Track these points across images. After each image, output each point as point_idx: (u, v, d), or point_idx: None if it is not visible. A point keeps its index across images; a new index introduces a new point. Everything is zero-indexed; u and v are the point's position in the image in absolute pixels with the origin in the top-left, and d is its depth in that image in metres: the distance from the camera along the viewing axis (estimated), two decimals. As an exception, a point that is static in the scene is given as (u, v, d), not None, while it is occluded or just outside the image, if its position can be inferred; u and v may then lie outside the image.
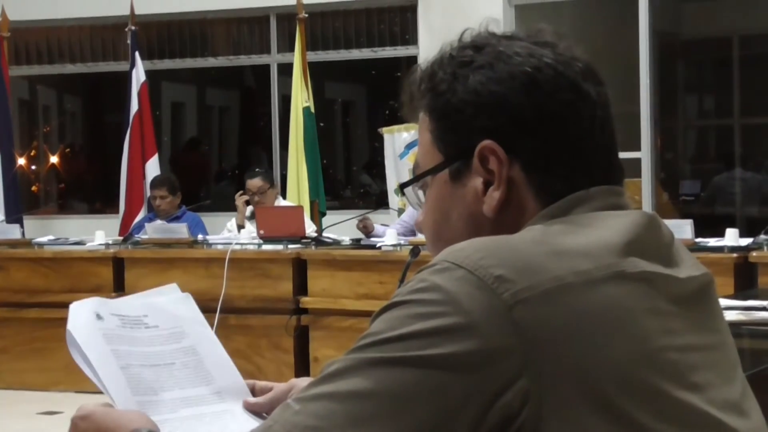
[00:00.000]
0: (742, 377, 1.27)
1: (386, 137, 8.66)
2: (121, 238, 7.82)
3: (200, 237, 7.38)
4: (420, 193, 1.35)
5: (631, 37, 8.65)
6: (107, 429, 1.36)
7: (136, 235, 7.61)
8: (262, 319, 6.78)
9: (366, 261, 6.59)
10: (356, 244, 6.97)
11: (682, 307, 1.21)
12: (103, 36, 10.33)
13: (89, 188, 11.92)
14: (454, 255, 1.15)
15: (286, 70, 9.55)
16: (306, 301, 6.74)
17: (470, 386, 1.09)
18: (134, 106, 9.27)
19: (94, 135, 12.35)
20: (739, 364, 1.29)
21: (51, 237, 7.98)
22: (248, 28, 10.12)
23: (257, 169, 8.11)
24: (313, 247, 6.91)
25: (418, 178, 1.33)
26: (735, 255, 5.83)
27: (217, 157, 12.75)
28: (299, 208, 7.54)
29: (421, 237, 6.48)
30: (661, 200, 9.31)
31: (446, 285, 1.12)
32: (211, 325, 1.62)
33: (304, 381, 1.50)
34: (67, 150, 11.84)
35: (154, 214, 8.15)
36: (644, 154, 8.66)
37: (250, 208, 7.73)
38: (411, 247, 3.86)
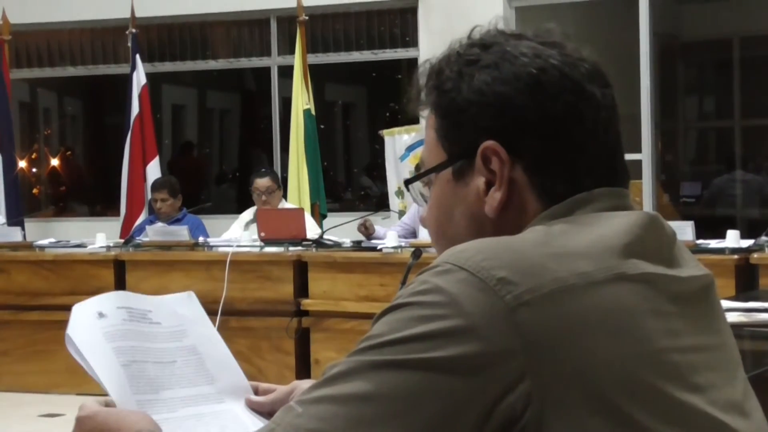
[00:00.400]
0: (743, 378, 1.27)
1: (387, 139, 8.66)
2: (122, 240, 7.82)
3: (201, 239, 7.37)
4: (425, 190, 1.35)
5: (632, 38, 8.65)
6: (110, 430, 1.36)
7: (137, 238, 7.61)
8: (263, 322, 6.78)
9: (367, 263, 6.59)
10: (357, 246, 6.97)
11: (684, 307, 1.21)
12: (104, 39, 10.33)
13: (90, 191, 11.92)
14: (456, 256, 1.15)
15: (286, 72, 9.55)
16: (307, 304, 6.74)
17: (472, 389, 1.09)
18: (135, 109, 9.27)
19: (95, 138, 12.36)
20: (741, 365, 1.29)
21: (52, 240, 7.98)
22: (249, 31, 10.12)
23: (264, 169, 8.11)
24: (314, 250, 6.91)
25: (421, 175, 1.34)
26: (736, 257, 5.83)
27: (218, 160, 12.77)
28: (300, 210, 7.54)
29: (422, 239, 6.49)
30: (662, 202, 9.31)
31: (448, 287, 1.11)
32: (212, 328, 1.63)
33: (306, 383, 1.50)
34: (68, 153, 11.86)
35: (155, 216, 8.15)
36: (645, 156, 8.66)
37: (250, 212, 7.73)
38: (412, 249, 3.86)
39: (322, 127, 9.31)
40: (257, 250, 7.06)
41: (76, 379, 6.30)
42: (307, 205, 8.41)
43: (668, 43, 10.10)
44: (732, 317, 3.36)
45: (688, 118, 11.45)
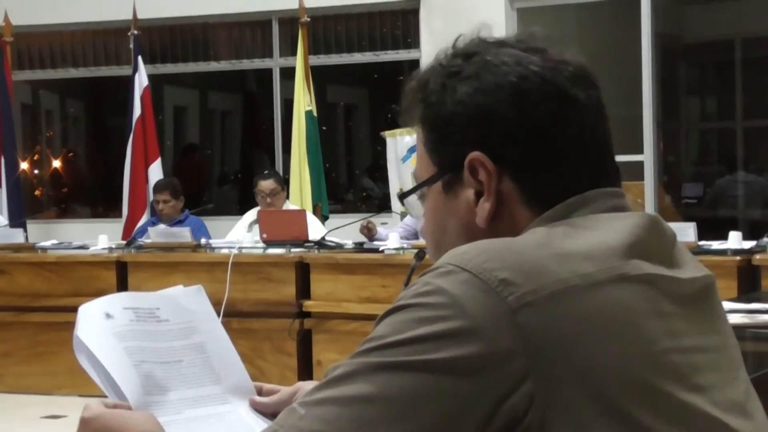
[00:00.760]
0: (745, 378, 1.28)
1: (389, 140, 8.66)
2: (125, 242, 7.82)
3: (203, 241, 7.38)
4: (419, 203, 1.36)
5: (634, 39, 8.64)
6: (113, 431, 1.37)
7: (139, 239, 7.61)
8: (265, 323, 6.78)
9: (369, 264, 6.59)
10: (359, 247, 6.97)
11: (685, 308, 1.21)
12: (106, 40, 10.34)
13: (92, 192, 11.93)
14: (458, 258, 1.15)
15: (288, 73, 9.56)
16: (309, 305, 6.74)
17: (475, 390, 1.09)
18: (137, 111, 9.27)
19: (97, 139, 12.36)
20: (743, 365, 1.29)
21: (54, 241, 7.98)
22: (250, 32, 10.13)
23: (267, 171, 8.11)
24: (316, 251, 6.90)
25: (413, 190, 1.35)
26: (738, 258, 5.82)
27: (220, 161, 12.76)
28: (302, 212, 7.54)
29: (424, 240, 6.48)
30: (664, 203, 9.31)
31: (450, 288, 1.12)
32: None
33: (309, 384, 1.50)
34: (70, 154, 11.86)
35: (157, 218, 8.16)
36: (647, 157, 8.66)
37: (253, 213, 7.73)
38: (415, 250, 3.86)
39: (323, 128, 9.30)
40: (259, 251, 7.06)
41: (79, 380, 6.29)
42: (309, 206, 8.42)
43: (670, 44, 10.10)
44: (734, 319, 3.36)
45: (690, 119, 11.44)
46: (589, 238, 1.19)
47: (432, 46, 8.94)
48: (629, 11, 8.70)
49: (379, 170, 10.45)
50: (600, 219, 1.23)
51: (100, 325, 1.46)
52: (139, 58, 9.34)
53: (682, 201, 10.25)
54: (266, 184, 7.66)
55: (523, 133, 1.24)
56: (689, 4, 10.87)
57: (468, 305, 1.10)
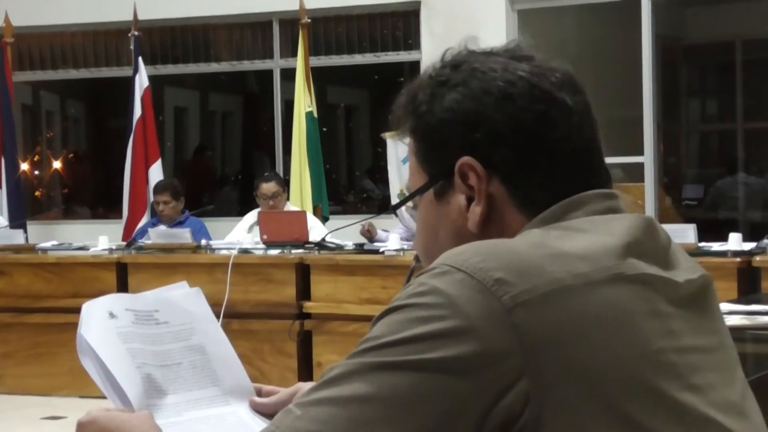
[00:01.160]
0: (742, 379, 1.28)
1: (389, 142, 8.65)
2: (125, 243, 7.82)
3: (203, 242, 7.38)
4: (411, 213, 1.37)
5: (634, 41, 8.65)
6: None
7: (140, 241, 7.61)
8: (266, 324, 6.78)
9: (369, 266, 6.60)
10: (359, 248, 6.97)
11: (682, 308, 1.21)
12: (106, 41, 10.34)
13: (92, 193, 11.94)
14: (454, 258, 1.16)
15: (289, 75, 9.56)
16: (309, 306, 6.74)
17: (471, 389, 1.09)
18: (137, 112, 9.28)
19: (97, 140, 12.37)
20: (740, 366, 1.29)
21: (54, 242, 7.99)
22: (251, 34, 10.13)
23: (268, 174, 8.10)
24: (316, 252, 6.91)
25: (405, 200, 1.36)
26: (738, 259, 5.82)
27: (220, 163, 12.77)
28: (302, 213, 7.54)
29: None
30: (664, 204, 9.31)
31: (446, 288, 1.12)
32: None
33: (308, 385, 1.50)
34: (71, 155, 11.87)
35: (157, 219, 8.16)
36: (647, 159, 8.66)
37: (254, 214, 7.73)
38: (415, 251, 3.85)
39: (324, 129, 9.31)
40: (260, 252, 7.06)
41: (79, 381, 6.31)
42: (309, 207, 8.42)
43: (671, 45, 10.10)
44: (734, 320, 3.36)
45: (691, 121, 11.44)
46: (584, 239, 1.19)
47: (433, 47, 8.94)
48: (629, 13, 8.71)
49: (379, 171, 10.46)
50: (595, 220, 1.23)
51: (105, 324, 1.45)
52: (140, 59, 9.34)
53: (682, 202, 10.25)
54: (268, 187, 7.66)
55: (511, 136, 1.25)
56: (690, 6, 10.87)
57: (463, 305, 1.11)
